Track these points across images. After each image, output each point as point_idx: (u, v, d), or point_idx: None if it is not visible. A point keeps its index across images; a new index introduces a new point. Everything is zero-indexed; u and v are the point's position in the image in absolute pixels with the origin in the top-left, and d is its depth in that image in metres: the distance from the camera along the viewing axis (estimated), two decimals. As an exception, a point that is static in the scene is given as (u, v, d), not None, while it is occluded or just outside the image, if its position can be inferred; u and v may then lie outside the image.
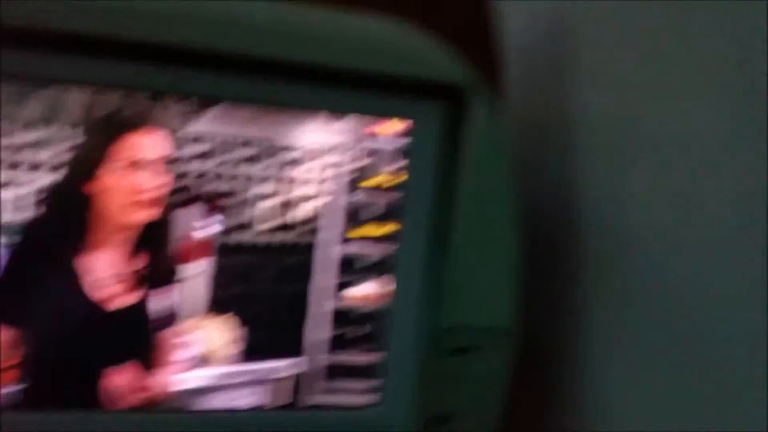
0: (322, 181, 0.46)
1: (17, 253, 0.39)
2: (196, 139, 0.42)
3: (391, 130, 0.47)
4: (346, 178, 0.46)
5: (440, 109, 0.47)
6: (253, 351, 0.45)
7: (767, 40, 0.38)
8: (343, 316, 0.47)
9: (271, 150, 0.44)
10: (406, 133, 0.47)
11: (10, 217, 0.39)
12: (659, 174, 0.47)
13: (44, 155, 0.39)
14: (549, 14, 0.55)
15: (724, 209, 0.41)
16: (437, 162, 0.48)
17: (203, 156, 0.42)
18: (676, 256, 0.45)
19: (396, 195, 0.47)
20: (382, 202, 0.47)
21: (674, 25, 0.46)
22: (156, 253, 0.43)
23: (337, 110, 0.45)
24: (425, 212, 0.48)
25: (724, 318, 0.40)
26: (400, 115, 0.47)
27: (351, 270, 0.47)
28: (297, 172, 0.45)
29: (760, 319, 0.37)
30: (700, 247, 0.42)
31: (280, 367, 0.46)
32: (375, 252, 0.47)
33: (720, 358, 0.40)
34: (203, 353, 0.44)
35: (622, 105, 0.50)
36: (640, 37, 0.49)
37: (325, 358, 0.47)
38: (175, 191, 0.42)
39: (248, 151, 0.44)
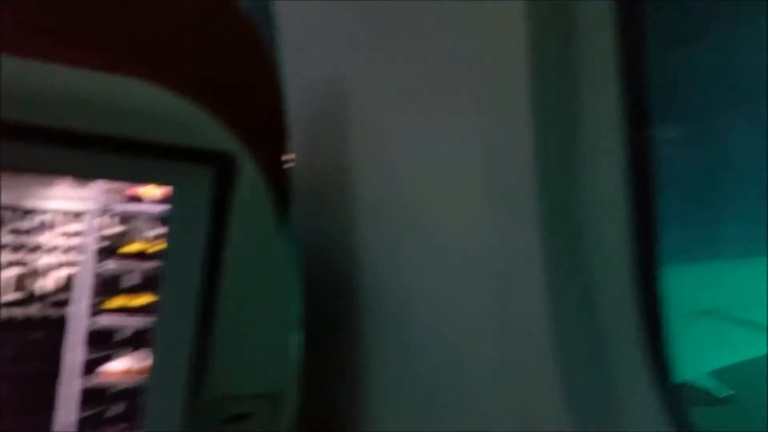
0: (71, 249, 0.43)
1: None
2: None
3: (153, 194, 0.45)
4: (99, 245, 0.44)
5: (205, 176, 0.46)
6: (-15, 438, 0.41)
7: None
8: (93, 395, 0.43)
9: (10, 217, 0.41)
10: (169, 200, 0.45)
11: None
12: (425, 241, 0.47)
13: None
14: (329, 77, 0.56)
15: (470, 270, 0.45)
16: (202, 229, 0.46)
17: None
18: (430, 306, 0.47)
19: (157, 263, 0.45)
20: (140, 270, 0.45)
21: (443, 100, 0.48)
22: None
23: (88, 176, 0.43)
24: (188, 281, 0.45)
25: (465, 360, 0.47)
26: (160, 181, 0.45)
27: (103, 345, 0.44)
28: (40, 240, 0.42)
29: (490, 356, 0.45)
30: (452, 302, 0.46)
31: (18, 454, 0.42)
32: (131, 324, 0.44)
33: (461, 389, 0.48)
34: None
35: (396, 172, 0.50)
36: (416, 108, 0.49)
37: (70, 443, 0.43)
38: None
39: (-21, 217, 0.41)
